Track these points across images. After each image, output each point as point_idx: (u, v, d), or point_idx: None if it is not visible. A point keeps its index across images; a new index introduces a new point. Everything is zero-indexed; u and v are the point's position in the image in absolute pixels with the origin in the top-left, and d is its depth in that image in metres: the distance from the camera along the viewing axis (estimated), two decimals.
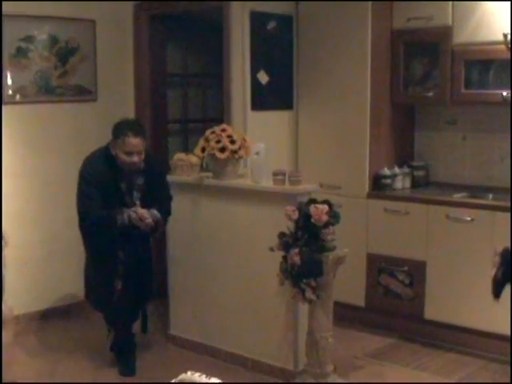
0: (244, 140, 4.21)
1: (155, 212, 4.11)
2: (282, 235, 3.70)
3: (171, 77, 5.90)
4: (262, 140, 4.23)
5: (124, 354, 4.30)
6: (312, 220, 3.60)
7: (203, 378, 1.96)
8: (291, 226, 3.68)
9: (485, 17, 4.46)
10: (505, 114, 4.66)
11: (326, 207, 3.61)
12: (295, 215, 3.65)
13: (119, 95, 5.52)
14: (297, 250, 3.60)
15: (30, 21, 4.95)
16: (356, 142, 4.93)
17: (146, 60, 5.54)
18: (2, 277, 4.26)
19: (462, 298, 4.48)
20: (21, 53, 4.92)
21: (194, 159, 4.40)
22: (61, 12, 5.07)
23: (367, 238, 4.91)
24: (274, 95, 5.12)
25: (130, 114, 5.40)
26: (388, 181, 4.92)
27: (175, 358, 4.48)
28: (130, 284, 4.14)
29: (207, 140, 4.20)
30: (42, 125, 5.11)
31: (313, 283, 3.62)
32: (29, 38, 4.95)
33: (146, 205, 4.12)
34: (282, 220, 3.72)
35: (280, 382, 4.10)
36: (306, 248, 3.60)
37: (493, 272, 2.99)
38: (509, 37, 4.25)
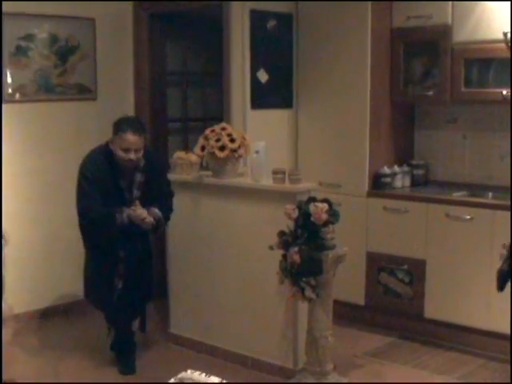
0: (244, 138, 4.21)
1: (156, 210, 4.11)
2: (281, 234, 3.70)
3: (171, 75, 5.90)
4: (261, 138, 4.23)
5: (124, 353, 4.30)
6: (312, 218, 3.60)
7: (203, 377, 1.96)
8: (291, 224, 3.68)
9: (484, 15, 4.46)
10: (505, 113, 4.66)
11: (325, 206, 3.61)
12: (295, 214, 3.65)
13: (119, 94, 5.53)
14: (296, 249, 3.60)
15: (30, 19, 4.95)
16: (356, 140, 4.93)
17: (146, 59, 5.54)
18: (2, 276, 4.26)
19: (462, 296, 4.48)
20: (21, 51, 4.93)
21: (193, 158, 4.40)
22: (61, 10, 5.07)
23: (367, 237, 4.91)
24: (273, 94, 5.12)
25: (130, 112, 5.40)
26: (388, 179, 4.92)
27: (175, 356, 4.48)
28: (130, 283, 4.14)
29: (207, 138, 4.20)
30: (42, 123, 5.11)
31: (312, 282, 3.62)
32: (29, 37, 4.95)
33: (146, 202, 4.12)
34: (281, 218, 3.72)
35: (280, 380, 4.10)
36: (305, 246, 3.60)
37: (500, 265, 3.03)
38: (509, 35, 4.25)
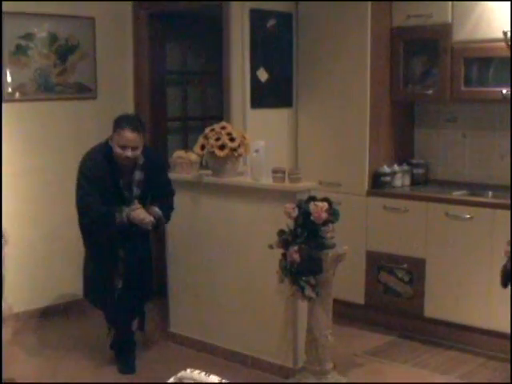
0: (243, 138, 4.21)
1: (156, 209, 4.11)
2: (281, 233, 3.70)
3: (171, 75, 5.90)
4: (261, 138, 4.23)
5: (124, 352, 4.30)
6: (311, 218, 3.59)
7: (202, 376, 1.96)
8: (291, 223, 3.68)
9: (484, 14, 4.46)
10: (505, 112, 4.66)
11: (325, 205, 3.61)
12: (295, 213, 3.65)
13: (119, 93, 5.52)
14: (296, 248, 3.59)
15: (30, 18, 4.95)
16: (355, 139, 4.93)
17: (146, 58, 5.54)
18: (2, 275, 4.27)
19: (462, 295, 4.48)
20: (20, 50, 4.93)
21: (193, 157, 4.40)
22: (60, 10, 5.07)
23: (367, 236, 4.91)
24: (273, 93, 5.12)
25: (130, 111, 5.37)
26: (387, 178, 4.92)
27: (175, 355, 4.48)
28: (130, 282, 4.14)
29: (207, 138, 4.20)
30: (42, 123, 5.11)
31: (312, 281, 3.62)
32: (28, 36, 4.95)
33: (146, 201, 4.12)
34: (281, 218, 3.72)
35: (279, 379, 4.10)
36: (305, 245, 3.60)
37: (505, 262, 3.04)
38: (508, 34, 4.25)
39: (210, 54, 5.88)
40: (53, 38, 5.08)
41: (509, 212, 4.17)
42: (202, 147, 4.23)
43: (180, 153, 4.53)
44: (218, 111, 5.29)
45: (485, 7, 4.45)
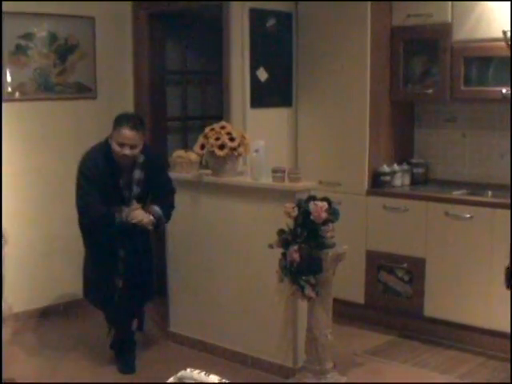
0: (243, 137, 4.21)
1: (156, 208, 4.11)
2: (281, 232, 3.69)
3: (170, 74, 5.90)
4: (261, 137, 4.23)
5: (124, 352, 4.30)
6: (311, 217, 3.59)
7: (202, 376, 1.96)
8: (290, 223, 3.68)
9: (484, 14, 4.46)
10: (504, 111, 4.66)
11: (325, 204, 3.61)
12: (294, 212, 3.65)
13: (119, 93, 5.52)
14: (296, 247, 3.59)
15: (30, 18, 4.95)
16: (355, 139, 4.93)
17: (146, 58, 5.54)
18: (2, 275, 4.27)
19: (462, 294, 4.48)
20: (20, 50, 4.92)
21: (193, 156, 4.40)
22: (60, 9, 5.07)
23: (366, 235, 4.91)
24: (273, 92, 5.12)
25: (130, 111, 5.39)
26: (387, 178, 4.92)
27: (175, 355, 4.48)
28: (130, 282, 4.13)
29: (206, 137, 4.20)
30: (42, 122, 5.11)
31: (312, 280, 3.61)
32: (28, 36, 4.95)
33: (146, 199, 4.12)
34: (281, 217, 3.72)
35: (279, 378, 4.10)
36: (305, 245, 3.60)
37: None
38: (508, 34, 4.24)
39: (209, 53, 5.87)
40: (52, 38, 5.08)
41: (509, 211, 4.18)
42: (202, 147, 4.23)
43: (180, 152, 4.53)
44: (218, 111, 5.29)
45: (485, 7, 4.45)
